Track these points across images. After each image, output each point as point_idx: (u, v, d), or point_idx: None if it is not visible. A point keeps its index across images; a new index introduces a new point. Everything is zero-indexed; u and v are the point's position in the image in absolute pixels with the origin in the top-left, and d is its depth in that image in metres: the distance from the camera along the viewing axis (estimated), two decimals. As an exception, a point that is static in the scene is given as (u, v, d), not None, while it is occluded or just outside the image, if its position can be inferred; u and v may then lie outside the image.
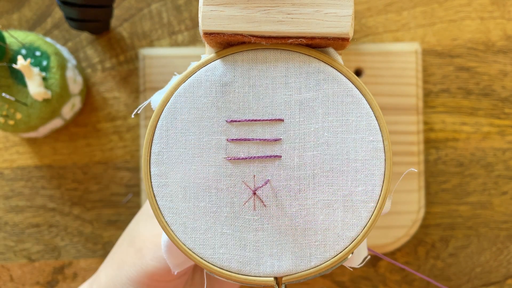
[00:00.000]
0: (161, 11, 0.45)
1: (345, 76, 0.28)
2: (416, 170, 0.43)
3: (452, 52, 0.45)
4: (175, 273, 0.32)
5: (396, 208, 0.43)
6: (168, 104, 0.28)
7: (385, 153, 0.28)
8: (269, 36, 0.27)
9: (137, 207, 0.44)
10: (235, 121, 0.28)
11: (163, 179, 0.28)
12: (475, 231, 0.44)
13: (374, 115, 0.28)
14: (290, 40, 0.27)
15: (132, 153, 0.44)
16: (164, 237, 0.30)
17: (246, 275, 0.28)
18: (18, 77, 0.39)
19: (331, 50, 0.28)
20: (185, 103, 0.28)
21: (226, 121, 0.28)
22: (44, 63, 0.40)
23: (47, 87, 0.39)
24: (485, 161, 0.45)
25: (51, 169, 0.44)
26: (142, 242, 0.34)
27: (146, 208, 0.36)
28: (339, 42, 0.28)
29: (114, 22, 0.45)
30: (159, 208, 0.28)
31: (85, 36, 0.45)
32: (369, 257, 0.32)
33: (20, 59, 0.37)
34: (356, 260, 0.31)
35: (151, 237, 0.34)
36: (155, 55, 0.44)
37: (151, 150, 0.28)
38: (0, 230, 0.44)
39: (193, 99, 0.28)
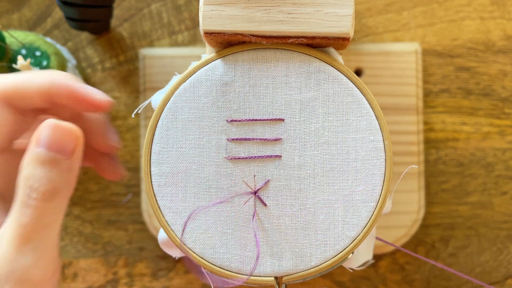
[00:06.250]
0: (161, 11, 0.45)
1: (345, 76, 0.28)
2: (416, 167, 0.43)
3: (452, 52, 0.45)
4: (176, 258, 0.31)
5: (396, 208, 0.43)
6: (169, 103, 0.28)
7: (385, 153, 0.28)
8: (270, 36, 0.27)
9: (137, 207, 0.44)
10: (236, 120, 0.28)
11: (164, 179, 0.28)
12: (475, 231, 0.44)
13: (375, 115, 0.28)
14: (291, 40, 0.27)
15: (132, 153, 0.44)
16: (161, 235, 0.30)
17: (246, 275, 0.28)
18: (18, 77, 0.39)
19: (331, 50, 0.29)
20: (186, 102, 0.28)
21: (227, 120, 0.28)
22: (44, 63, 0.39)
23: (47, 87, 0.39)
24: (485, 161, 0.45)
25: (51, 169, 0.44)
26: None
27: None
28: (340, 42, 0.28)
29: (114, 22, 0.45)
30: (159, 208, 0.28)
31: (85, 36, 0.45)
32: (372, 261, 0.32)
33: (20, 59, 0.37)
34: (356, 261, 0.31)
35: None
36: (155, 55, 0.44)
37: (152, 150, 0.28)
38: (0, 230, 0.44)
39: (194, 99, 0.28)
